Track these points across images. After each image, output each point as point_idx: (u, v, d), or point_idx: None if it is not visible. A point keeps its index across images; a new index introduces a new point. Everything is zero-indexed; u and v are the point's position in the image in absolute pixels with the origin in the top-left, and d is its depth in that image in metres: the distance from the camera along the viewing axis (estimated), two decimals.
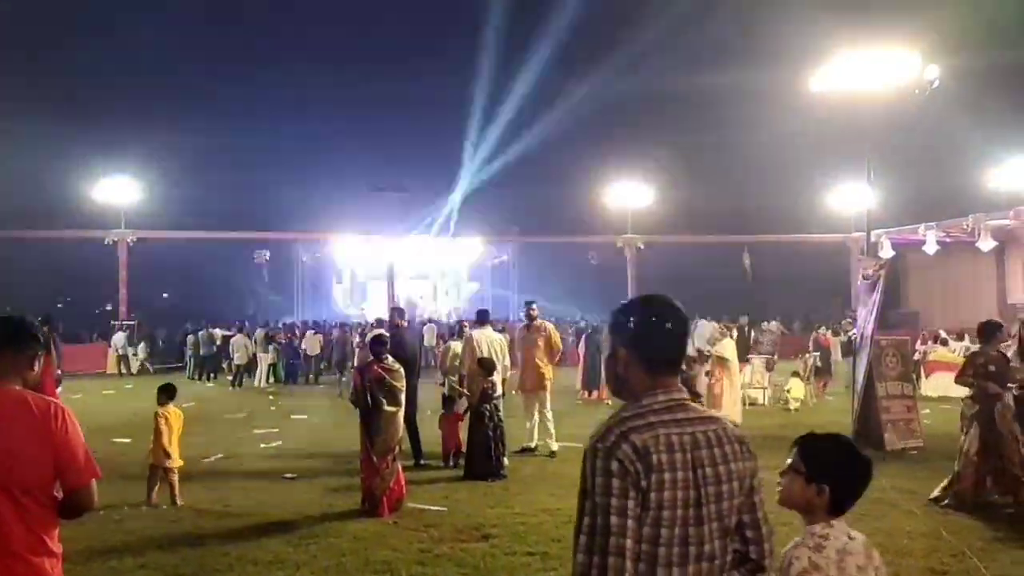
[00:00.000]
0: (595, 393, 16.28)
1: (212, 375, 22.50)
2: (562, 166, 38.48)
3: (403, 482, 7.43)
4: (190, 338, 23.27)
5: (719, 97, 33.54)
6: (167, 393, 7.72)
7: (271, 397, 17.91)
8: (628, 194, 29.61)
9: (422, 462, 9.44)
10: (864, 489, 2.36)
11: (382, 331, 9.49)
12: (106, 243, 25.18)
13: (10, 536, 2.51)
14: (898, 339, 11.44)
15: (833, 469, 2.32)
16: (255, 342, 21.55)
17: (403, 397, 7.57)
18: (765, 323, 21.19)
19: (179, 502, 7.39)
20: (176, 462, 7.48)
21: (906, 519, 6.71)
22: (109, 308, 25.99)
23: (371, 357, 7.69)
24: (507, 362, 10.24)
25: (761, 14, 33.28)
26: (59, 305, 34.46)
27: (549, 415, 10.05)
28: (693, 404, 2.04)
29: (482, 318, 10.51)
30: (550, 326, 10.85)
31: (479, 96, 36.59)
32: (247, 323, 24.37)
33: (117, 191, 24.86)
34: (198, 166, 35.32)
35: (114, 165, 25.09)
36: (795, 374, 14.91)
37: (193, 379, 21.84)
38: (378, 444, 7.22)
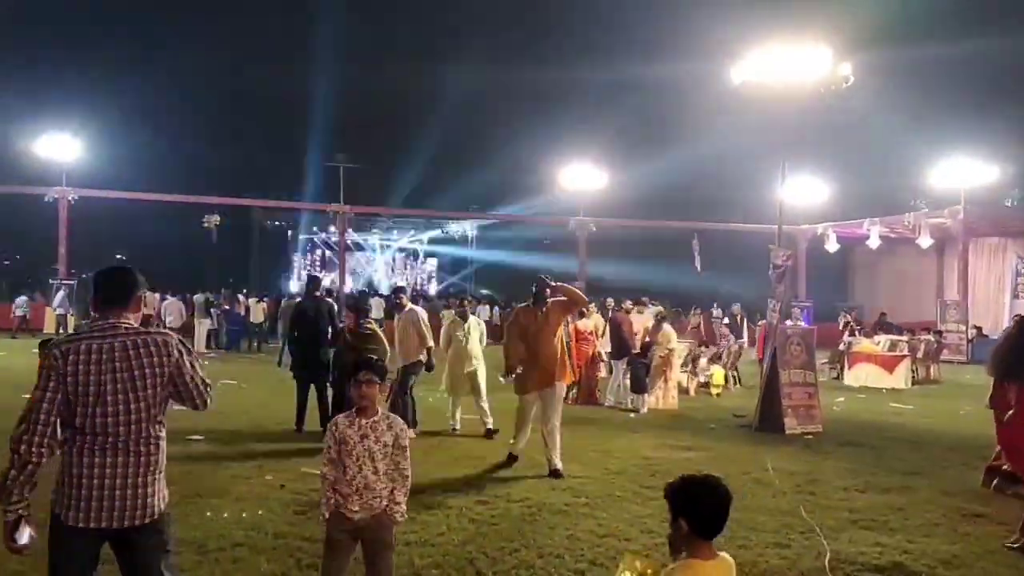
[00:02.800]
0: None
1: None
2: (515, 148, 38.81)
3: None
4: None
5: (662, 87, 34.27)
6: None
7: (205, 363, 17.83)
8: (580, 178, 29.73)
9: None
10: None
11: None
12: (46, 199, 24.76)
13: None
14: (803, 329, 11.81)
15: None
16: (195, 306, 21.48)
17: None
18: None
19: None
20: None
21: (772, 498, 7.01)
22: (56, 267, 25.54)
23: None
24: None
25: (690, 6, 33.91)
26: (6, 263, 33.83)
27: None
28: None
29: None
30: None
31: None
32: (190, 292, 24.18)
33: (58, 148, 24.41)
34: (148, 123, 34.82)
35: (56, 121, 24.62)
36: (715, 359, 15.33)
37: None
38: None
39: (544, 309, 7.99)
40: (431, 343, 9.70)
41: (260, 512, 6.21)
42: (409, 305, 10.14)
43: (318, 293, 10.61)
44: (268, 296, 26.13)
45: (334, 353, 9.58)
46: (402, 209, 38.58)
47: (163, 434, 3.18)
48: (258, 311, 23.01)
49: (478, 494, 6.96)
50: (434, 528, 5.94)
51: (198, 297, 22.26)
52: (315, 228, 45.30)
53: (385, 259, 48.35)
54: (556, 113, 42.50)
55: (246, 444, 8.92)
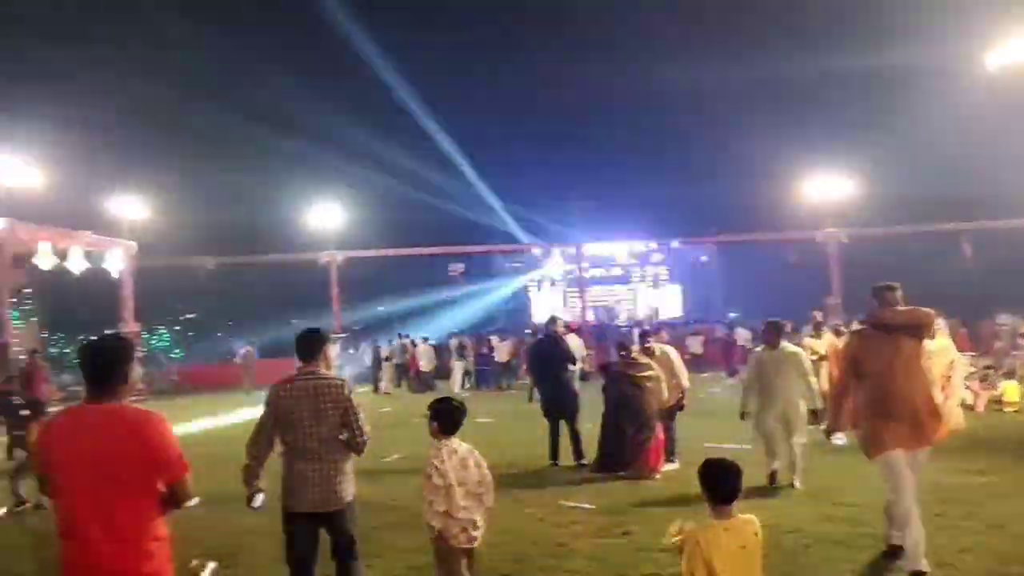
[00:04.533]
0: None
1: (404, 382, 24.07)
2: (756, 161, 37.05)
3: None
4: (386, 347, 24.98)
5: (900, 77, 30.97)
6: None
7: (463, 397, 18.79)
8: (828, 186, 27.82)
9: (583, 462, 9.63)
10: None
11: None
12: (320, 263, 27.73)
13: (121, 525, 3.01)
14: None
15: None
16: (450, 350, 22.91)
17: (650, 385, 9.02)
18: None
19: None
20: None
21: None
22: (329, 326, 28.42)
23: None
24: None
25: None
26: (292, 321, 38.05)
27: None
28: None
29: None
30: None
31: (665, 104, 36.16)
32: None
33: (326, 216, 27.33)
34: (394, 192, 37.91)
35: (323, 192, 27.69)
36: (1009, 375, 13.48)
37: (381, 386, 23.27)
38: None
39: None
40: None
41: (524, 547, 6.32)
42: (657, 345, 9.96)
43: (556, 330, 10.78)
44: (510, 335, 27.12)
45: (603, 386, 9.69)
46: (636, 239, 38.38)
47: (344, 448, 4.49)
48: (503, 351, 23.94)
49: None
50: None
51: (452, 341, 23.64)
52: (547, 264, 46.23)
53: (624, 290, 48.31)
54: (794, 112, 39.95)
55: (502, 479, 9.10)
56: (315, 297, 28.91)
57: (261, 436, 4.53)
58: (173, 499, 3.16)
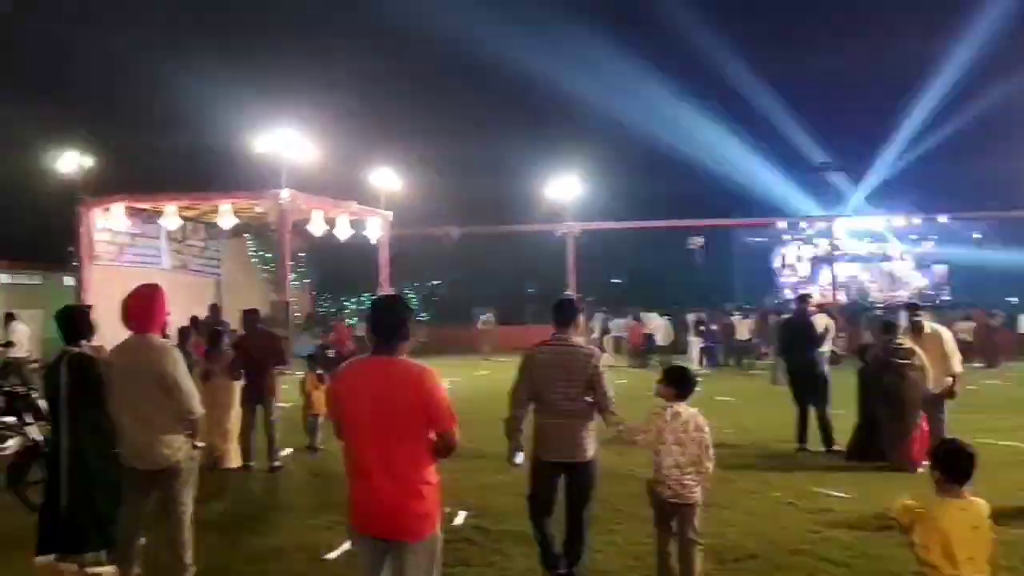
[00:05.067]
0: None
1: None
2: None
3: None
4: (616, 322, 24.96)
5: None
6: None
7: (699, 379, 18.31)
8: None
9: (834, 448, 9.06)
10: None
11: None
12: (557, 235, 28.29)
13: (399, 467, 3.29)
14: None
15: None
16: (687, 325, 22.48)
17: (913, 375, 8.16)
18: None
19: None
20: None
21: None
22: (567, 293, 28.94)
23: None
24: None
25: None
26: (530, 291, 39.25)
27: None
28: None
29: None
30: None
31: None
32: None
33: (564, 189, 27.78)
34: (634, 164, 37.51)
35: (564, 163, 28.20)
36: None
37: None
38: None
39: None
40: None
41: (772, 530, 6.06)
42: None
43: (810, 308, 10.18)
44: (753, 312, 26.00)
45: (859, 371, 9.08)
46: (897, 213, 35.06)
47: (589, 409, 4.90)
48: (743, 328, 23.04)
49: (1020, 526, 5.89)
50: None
51: (690, 316, 23.14)
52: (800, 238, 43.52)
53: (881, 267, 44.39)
54: None
55: (747, 459, 8.80)
56: (552, 269, 29.60)
57: (520, 392, 5.00)
58: (443, 447, 3.37)
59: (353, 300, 32.39)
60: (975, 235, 42.55)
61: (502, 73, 37.37)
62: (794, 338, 9.88)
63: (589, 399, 4.87)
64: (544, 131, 36.46)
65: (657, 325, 23.03)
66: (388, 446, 3.27)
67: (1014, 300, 33.10)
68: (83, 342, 5.07)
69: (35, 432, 6.75)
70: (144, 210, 20.69)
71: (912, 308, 9.70)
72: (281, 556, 5.65)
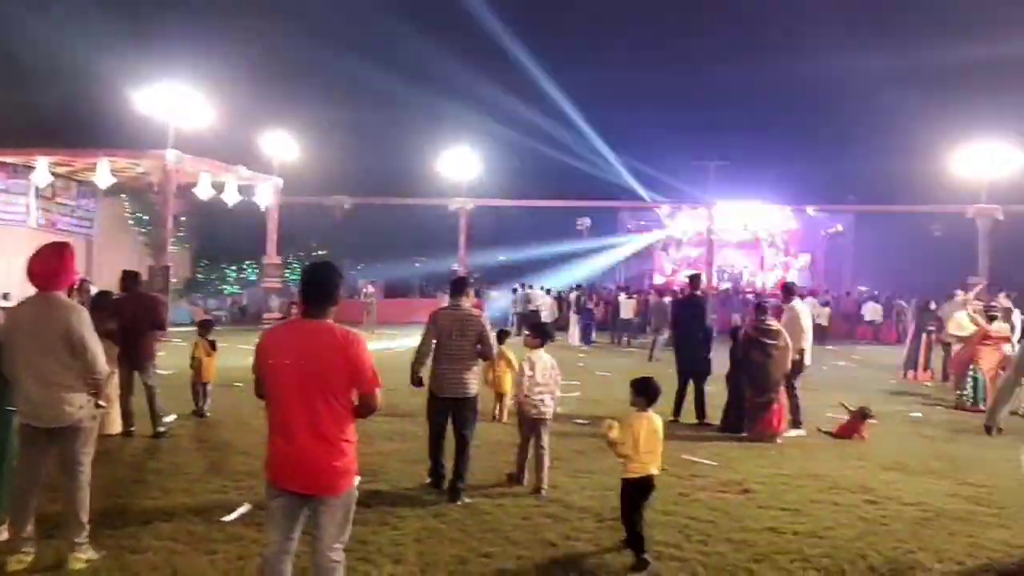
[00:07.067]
0: (911, 374, 15.21)
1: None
2: (907, 132, 34.88)
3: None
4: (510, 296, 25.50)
5: None
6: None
7: (581, 355, 19.09)
8: (980, 159, 26.02)
9: (705, 421, 9.79)
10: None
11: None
12: (451, 209, 28.50)
13: (322, 425, 3.50)
14: None
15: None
16: (569, 302, 23.22)
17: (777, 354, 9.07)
18: None
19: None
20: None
21: None
22: (455, 268, 29.18)
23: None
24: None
25: None
26: (417, 264, 39.11)
27: None
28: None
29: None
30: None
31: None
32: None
33: (459, 164, 27.97)
34: (524, 144, 38.01)
35: (456, 141, 28.31)
36: None
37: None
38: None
39: None
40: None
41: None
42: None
43: (698, 292, 10.85)
44: (637, 293, 27.07)
45: (730, 349, 9.79)
46: (774, 202, 37.09)
47: (476, 356, 6.43)
48: (628, 307, 24.00)
49: (865, 493, 6.70)
50: (820, 521, 5.87)
51: (572, 294, 23.89)
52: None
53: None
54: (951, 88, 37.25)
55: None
56: (442, 242, 29.74)
57: (425, 343, 6.46)
58: (364, 408, 3.61)
59: (234, 268, 31.47)
60: (837, 227, 45.49)
61: (405, 44, 37.00)
62: (686, 316, 10.48)
63: (478, 348, 6.37)
64: (441, 107, 36.34)
65: (544, 302, 23.66)
66: (314, 405, 3.46)
67: (863, 288, 35.96)
68: None
69: None
70: (12, 164, 19.51)
71: (787, 289, 10.43)
72: (173, 518, 5.68)
